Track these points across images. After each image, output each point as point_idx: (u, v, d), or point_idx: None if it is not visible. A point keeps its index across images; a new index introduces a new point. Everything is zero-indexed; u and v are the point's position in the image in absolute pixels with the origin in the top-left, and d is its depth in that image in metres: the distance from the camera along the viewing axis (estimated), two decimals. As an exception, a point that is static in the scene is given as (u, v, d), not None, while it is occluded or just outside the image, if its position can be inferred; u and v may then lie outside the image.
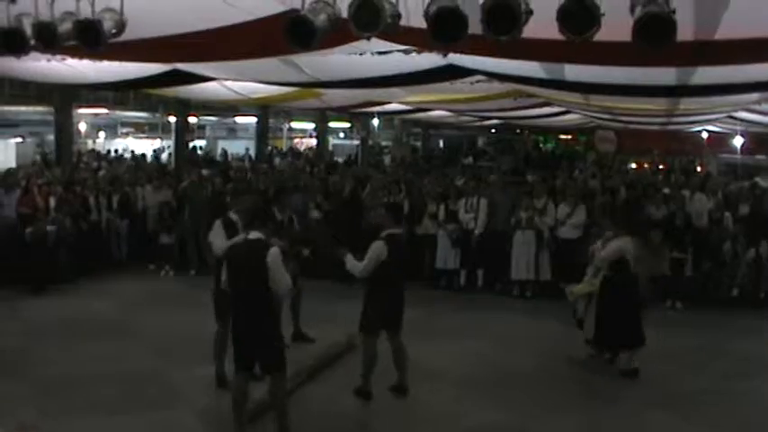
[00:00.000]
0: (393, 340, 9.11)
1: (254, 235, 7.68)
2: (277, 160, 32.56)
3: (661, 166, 34.25)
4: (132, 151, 35.66)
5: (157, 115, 37.15)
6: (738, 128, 28.53)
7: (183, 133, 30.42)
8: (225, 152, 39.76)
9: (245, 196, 10.02)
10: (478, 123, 37.32)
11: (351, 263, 8.84)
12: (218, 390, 9.25)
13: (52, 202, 15.33)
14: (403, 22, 6.28)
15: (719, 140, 35.27)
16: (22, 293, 13.91)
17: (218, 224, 9.27)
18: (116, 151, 36.99)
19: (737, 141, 34.01)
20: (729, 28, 6.86)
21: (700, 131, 33.34)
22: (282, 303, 8.31)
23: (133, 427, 8.22)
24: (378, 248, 8.67)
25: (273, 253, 7.41)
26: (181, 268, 16.40)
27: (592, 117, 25.29)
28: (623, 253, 10.47)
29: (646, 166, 34.80)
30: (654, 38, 5.70)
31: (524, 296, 14.82)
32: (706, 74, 9.93)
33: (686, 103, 15.82)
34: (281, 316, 7.97)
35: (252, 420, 8.27)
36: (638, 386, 9.95)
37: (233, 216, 9.33)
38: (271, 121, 36.82)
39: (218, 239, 9.08)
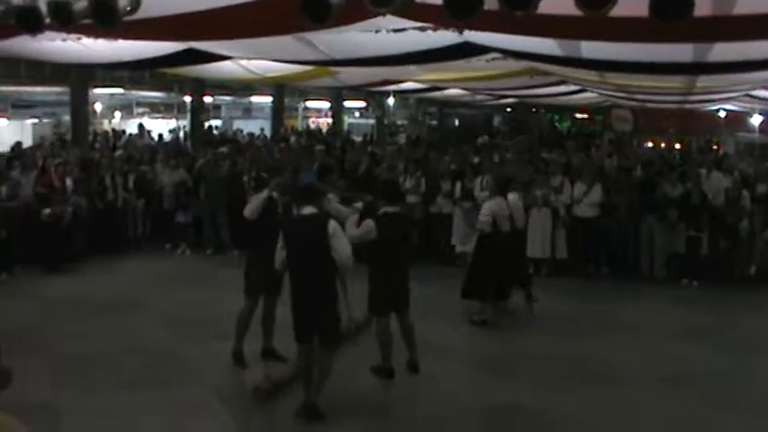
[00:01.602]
0: (401, 320, 9.11)
1: (308, 210, 7.88)
2: (293, 139, 32.46)
3: (678, 146, 34.06)
4: (149, 131, 35.63)
5: (173, 95, 37.16)
6: (757, 106, 28.31)
7: (199, 113, 30.44)
8: (242, 131, 39.79)
9: (286, 174, 10.03)
10: (494, 102, 37.17)
11: (350, 224, 8.84)
12: (235, 367, 9.31)
13: (69, 182, 15.39)
14: (418, -1, 6.26)
15: (737, 119, 35.03)
16: (38, 273, 14.02)
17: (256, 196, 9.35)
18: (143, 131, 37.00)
19: (756, 120, 33.76)
20: (748, 3, 6.79)
21: (717, 110, 33.10)
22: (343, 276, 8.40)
23: (150, 404, 8.26)
24: (366, 227, 8.69)
25: (334, 224, 7.74)
26: (197, 247, 16.47)
27: (608, 95, 25.14)
28: (494, 213, 11.27)
29: (663, 145, 34.62)
30: (671, 13, 5.65)
31: (539, 274, 14.78)
32: (724, 51, 9.84)
33: (703, 81, 15.69)
34: (338, 290, 8.06)
35: (273, 395, 8.38)
36: (655, 365, 9.94)
37: (273, 194, 9.32)
38: (286, 100, 36.77)
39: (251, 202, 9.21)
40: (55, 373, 9.11)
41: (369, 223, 8.71)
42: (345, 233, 8.46)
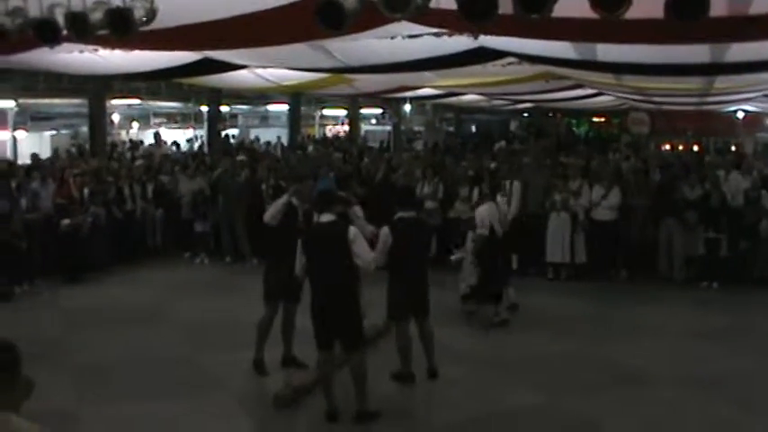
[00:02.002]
0: (421, 326, 9.14)
1: (326, 217, 7.94)
2: (311, 148, 32.53)
3: (695, 147, 33.91)
4: (165, 142, 35.76)
5: (190, 105, 37.27)
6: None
7: (216, 122, 30.55)
8: (258, 139, 39.94)
9: (308, 181, 10.00)
10: (511, 107, 37.17)
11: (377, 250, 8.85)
12: (256, 375, 9.31)
13: (87, 192, 15.51)
14: (433, 4, 6.26)
15: (755, 120, 34.85)
16: (59, 283, 14.09)
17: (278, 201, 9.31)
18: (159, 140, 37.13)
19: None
20: (764, 2, 6.76)
21: (735, 111, 32.93)
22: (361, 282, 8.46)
23: (171, 413, 8.28)
24: (383, 235, 8.65)
25: (353, 230, 7.84)
26: (215, 256, 16.50)
27: (624, 98, 25.06)
28: (490, 217, 11.53)
29: (681, 147, 34.48)
30: (686, 13, 5.63)
31: (559, 279, 14.78)
32: (741, 51, 9.80)
33: (721, 82, 15.62)
34: (359, 295, 8.10)
35: (294, 402, 8.39)
36: (677, 367, 9.88)
37: (293, 200, 9.31)
38: (303, 108, 36.84)
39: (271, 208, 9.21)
40: (77, 383, 9.16)
41: (384, 230, 8.70)
42: (373, 255, 8.55)
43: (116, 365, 9.77)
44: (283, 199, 9.13)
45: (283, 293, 9.20)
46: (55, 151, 27.45)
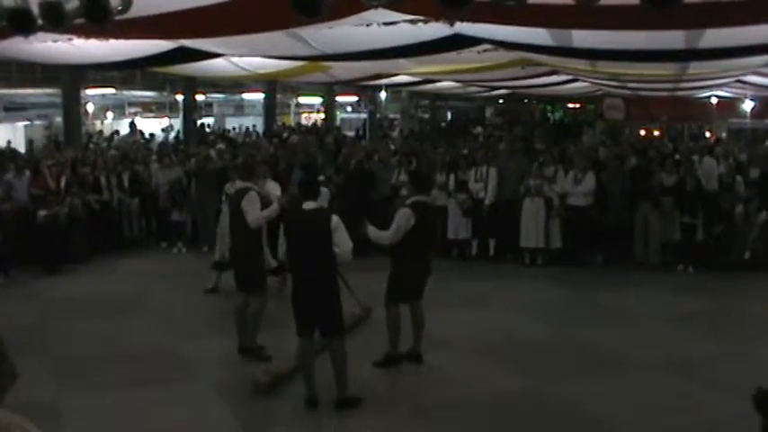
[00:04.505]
0: (414, 306, 9.23)
1: (309, 205, 7.95)
2: (294, 137, 32.44)
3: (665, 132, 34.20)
4: (141, 131, 35.57)
5: (165, 94, 37.07)
6: (748, 92, 28.35)
7: (191, 111, 30.43)
8: (234, 128, 39.85)
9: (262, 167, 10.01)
10: (486, 94, 37.19)
11: (374, 233, 8.89)
12: (234, 362, 9.29)
13: (63, 182, 15.42)
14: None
15: (729, 106, 35.07)
16: (36, 274, 14.02)
17: (253, 195, 9.22)
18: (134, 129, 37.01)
19: (747, 106, 33.81)
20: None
21: (708, 97, 33.13)
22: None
23: (150, 402, 8.28)
24: (405, 215, 8.72)
25: (336, 218, 7.79)
26: (193, 245, 16.46)
27: (599, 85, 25.16)
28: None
29: (656, 133, 34.69)
30: (661, 1, 5.67)
31: (535, 264, 14.84)
32: (714, 37, 9.87)
33: (695, 68, 15.71)
34: (339, 283, 8.12)
35: (273, 390, 8.41)
36: (652, 350, 9.98)
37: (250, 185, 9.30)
38: (278, 96, 36.74)
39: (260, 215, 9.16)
40: (56, 374, 9.12)
41: (405, 212, 8.76)
42: (379, 238, 8.69)
43: (95, 356, 9.75)
44: (274, 207, 9.09)
45: (265, 279, 9.25)
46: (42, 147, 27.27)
